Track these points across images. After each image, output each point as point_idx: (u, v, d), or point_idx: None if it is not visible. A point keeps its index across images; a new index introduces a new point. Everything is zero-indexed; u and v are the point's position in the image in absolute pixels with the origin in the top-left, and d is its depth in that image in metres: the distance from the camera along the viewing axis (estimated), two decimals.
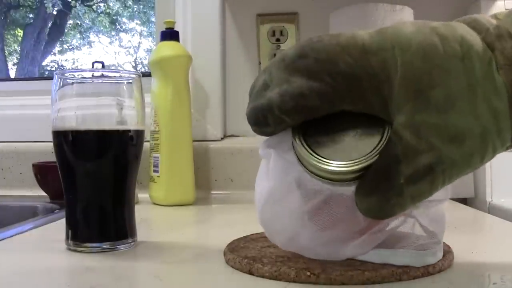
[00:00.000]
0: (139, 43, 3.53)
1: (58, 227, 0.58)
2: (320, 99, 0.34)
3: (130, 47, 3.57)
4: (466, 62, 0.32)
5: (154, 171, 0.83)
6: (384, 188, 0.33)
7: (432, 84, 0.32)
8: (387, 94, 0.33)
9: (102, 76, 0.51)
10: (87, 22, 3.53)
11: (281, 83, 0.35)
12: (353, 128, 0.35)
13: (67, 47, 3.51)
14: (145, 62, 2.71)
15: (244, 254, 0.42)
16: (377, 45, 0.33)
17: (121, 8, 3.63)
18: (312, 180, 0.36)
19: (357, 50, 0.33)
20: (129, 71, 1.83)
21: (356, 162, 0.34)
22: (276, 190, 0.38)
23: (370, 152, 0.34)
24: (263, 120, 0.36)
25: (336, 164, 0.34)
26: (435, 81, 0.32)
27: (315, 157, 0.35)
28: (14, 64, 3.35)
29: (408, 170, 0.32)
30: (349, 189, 0.36)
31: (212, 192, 0.95)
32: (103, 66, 1.13)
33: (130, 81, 0.50)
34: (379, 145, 0.34)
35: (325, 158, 0.35)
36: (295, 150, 0.36)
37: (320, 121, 0.36)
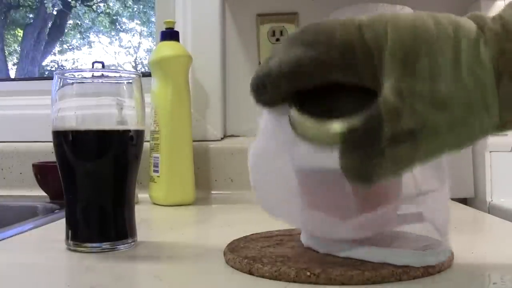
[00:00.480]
0: (139, 43, 3.53)
1: (58, 227, 0.58)
2: (314, 65, 0.35)
3: (130, 47, 3.57)
4: (455, 38, 0.33)
5: (154, 171, 0.83)
6: (366, 147, 0.33)
7: (419, 55, 0.33)
8: (377, 65, 0.34)
9: (102, 76, 0.51)
10: (87, 22, 3.53)
11: (281, 53, 0.37)
12: (346, 104, 0.36)
13: (67, 47, 3.51)
14: (145, 62, 2.71)
15: (244, 254, 0.42)
16: (372, 22, 0.35)
17: (121, 8, 3.63)
18: (303, 147, 0.37)
19: (354, 26, 0.35)
20: (129, 71, 1.83)
21: (344, 123, 0.34)
22: (268, 149, 0.39)
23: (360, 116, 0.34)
24: (262, 86, 0.37)
25: (326, 124, 0.35)
26: (422, 52, 0.33)
27: (308, 119, 0.36)
28: (14, 64, 3.35)
29: (390, 131, 0.33)
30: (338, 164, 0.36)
31: (212, 192, 0.95)
32: (103, 66, 1.13)
33: (130, 81, 0.50)
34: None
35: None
36: (289, 116, 0.37)
37: (315, 98, 0.37)
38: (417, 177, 0.39)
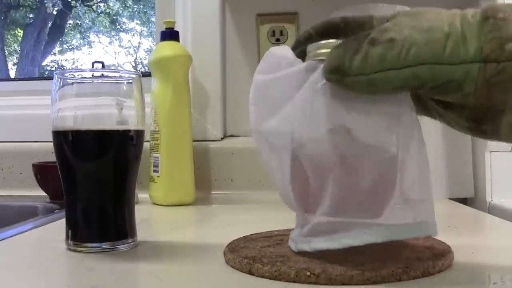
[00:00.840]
0: (139, 43, 3.53)
1: (58, 227, 0.58)
2: (339, 20, 0.42)
3: (130, 47, 3.57)
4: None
5: (154, 171, 0.83)
6: (349, 45, 0.38)
7: (426, 12, 0.38)
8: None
9: (102, 76, 0.51)
10: (87, 22, 3.53)
11: None
12: None
13: (67, 47, 3.51)
14: (145, 62, 2.71)
15: (244, 254, 0.42)
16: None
17: (121, 8, 3.63)
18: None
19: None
20: (129, 71, 1.83)
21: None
22: (273, 68, 0.42)
23: None
24: (297, 42, 0.44)
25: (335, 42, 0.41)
26: (430, 12, 0.38)
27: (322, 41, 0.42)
28: (14, 64, 3.35)
29: (373, 35, 0.37)
30: None
31: (212, 192, 0.95)
32: (103, 66, 1.13)
33: (130, 81, 0.50)
34: None
35: None
36: (306, 48, 0.43)
37: None
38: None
